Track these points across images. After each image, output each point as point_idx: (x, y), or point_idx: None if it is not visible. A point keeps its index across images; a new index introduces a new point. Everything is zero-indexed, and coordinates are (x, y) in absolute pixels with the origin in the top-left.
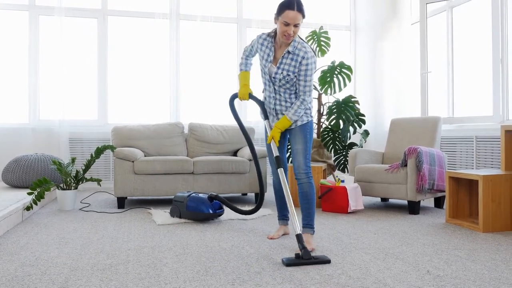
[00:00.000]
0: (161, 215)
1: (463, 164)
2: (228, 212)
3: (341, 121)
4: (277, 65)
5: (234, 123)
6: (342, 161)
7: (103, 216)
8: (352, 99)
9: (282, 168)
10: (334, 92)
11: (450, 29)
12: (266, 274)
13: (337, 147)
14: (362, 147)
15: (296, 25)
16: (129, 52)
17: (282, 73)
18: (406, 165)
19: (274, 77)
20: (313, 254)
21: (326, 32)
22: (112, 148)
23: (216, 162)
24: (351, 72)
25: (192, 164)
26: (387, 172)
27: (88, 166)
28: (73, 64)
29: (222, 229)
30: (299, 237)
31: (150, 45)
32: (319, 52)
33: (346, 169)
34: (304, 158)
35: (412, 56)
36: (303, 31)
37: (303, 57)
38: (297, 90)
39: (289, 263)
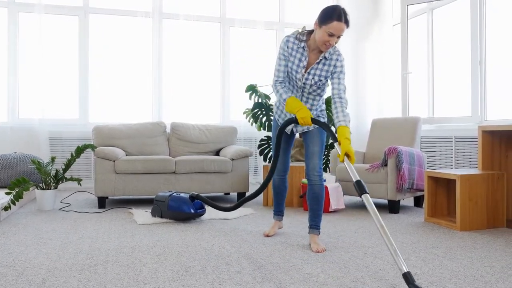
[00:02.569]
0: (142, 215)
1: (442, 164)
2: (209, 212)
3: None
4: (309, 70)
5: (217, 122)
6: (324, 161)
7: (83, 216)
8: None
9: (368, 195)
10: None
11: (431, 31)
12: (246, 273)
13: None
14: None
15: (339, 36)
16: (110, 50)
17: (313, 78)
18: (386, 165)
19: (304, 83)
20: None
21: None
22: (92, 147)
23: (198, 161)
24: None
25: (174, 163)
26: (367, 172)
27: (68, 165)
28: (54, 62)
29: (203, 229)
30: (407, 277)
31: (132, 43)
32: None
33: (327, 168)
34: (319, 160)
35: (394, 57)
36: (286, 32)
37: (337, 60)
38: (333, 91)
39: None
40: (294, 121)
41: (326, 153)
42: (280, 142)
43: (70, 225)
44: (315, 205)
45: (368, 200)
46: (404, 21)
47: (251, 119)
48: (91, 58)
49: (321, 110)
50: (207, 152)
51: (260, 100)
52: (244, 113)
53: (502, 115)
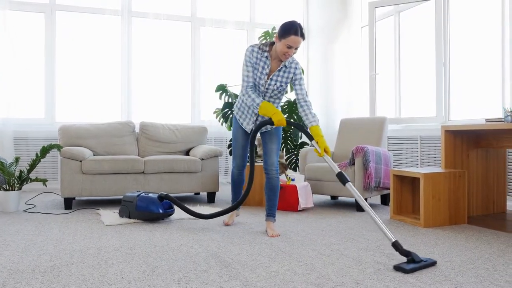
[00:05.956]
0: (110, 215)
1: (408, 163)
2: (178, 212)
3: (292, 121)
4: (271, 76)
5: (187, 122)
6: (294, 160)
7: (48, 217)
8: None
9: (350, 183)
10: (286, 92)
11: (397, 33)
12: (213, 272)
13: (288, 147)
14: (313, 146)
15: (296, 48)
16: (78, 48)
17: (275, 84)
18: (354, 164)
19: (267, 88)
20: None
21: None
22: (58, 147)
23: (167, 161)
24: (303, 73)
25: (143, 163)
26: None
27: (32, 166)
28: (19, 60)
29: (172, 229)
30: (396, 245)
31: (101, 42)
32: None
33: (297, 168)
34: (276, 157)
35: (362, 58)
36: (256, 32)
37: (295, 68)
38: (297, 96)
39: (412, 268)
40: (269, 122)
41: (295, 152)
42: (254, 143)
43: (35, 227)
44: (273, 195)
45: (351, 187)
46: (372, 23)
47: (221, 119)
48: (58, 56)
49: None
50: (177, 152)
51: (230, 100)
52: (214, 112)
53: (465, 115)
